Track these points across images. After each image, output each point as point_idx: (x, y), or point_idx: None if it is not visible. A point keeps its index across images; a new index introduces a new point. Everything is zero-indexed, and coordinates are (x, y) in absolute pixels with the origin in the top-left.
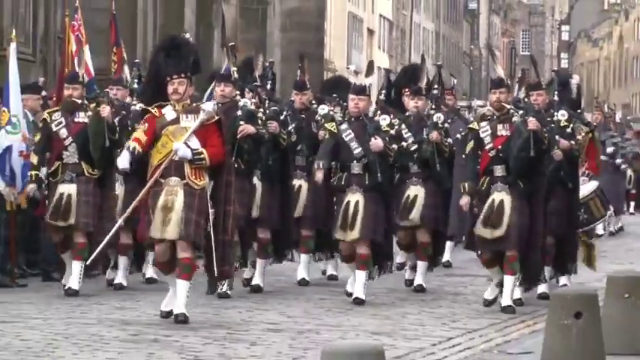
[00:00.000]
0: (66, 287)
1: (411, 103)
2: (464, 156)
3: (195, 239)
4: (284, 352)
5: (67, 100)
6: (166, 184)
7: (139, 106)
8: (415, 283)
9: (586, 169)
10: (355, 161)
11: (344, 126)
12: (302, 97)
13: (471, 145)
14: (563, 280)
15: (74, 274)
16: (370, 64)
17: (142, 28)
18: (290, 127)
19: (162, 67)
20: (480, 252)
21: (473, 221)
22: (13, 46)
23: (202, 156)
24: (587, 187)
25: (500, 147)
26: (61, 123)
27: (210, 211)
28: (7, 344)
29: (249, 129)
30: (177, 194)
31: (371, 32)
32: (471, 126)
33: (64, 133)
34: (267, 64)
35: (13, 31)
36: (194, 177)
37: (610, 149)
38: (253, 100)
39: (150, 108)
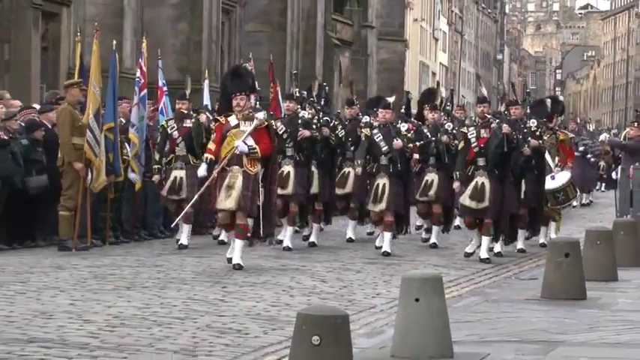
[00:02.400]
0: (178, 243)
1: (429, 116)
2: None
3: (249, 210)
4: (377, 277)
5: (177, 111)
6: (230, 171)
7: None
8: (430, 241)
9: (559, 162)
10: (383, 155)
11: (375, 130)
12: (351, 110)
13: (462, 144)
14: (541, 239)
15: (184, 233)
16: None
17: (288, 72)
18: (337, 131)
19: (228, 87)
20: (464, 217)
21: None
22: (206, 82)
23: (255, 150)
24: (562, 177)
25: (482, 145)
26: (173, 127)
27: (261, 190)
28: (202, 270)
29: (306, 133)
30: (238, 178)
31: (434, 74)
32: (462, 130)
33: (176, 134)
34: (319, 86)
35: (206, 71)
36: (249, 165)
37: (581, 148)
38: (310, 111)
39: (218, 117)
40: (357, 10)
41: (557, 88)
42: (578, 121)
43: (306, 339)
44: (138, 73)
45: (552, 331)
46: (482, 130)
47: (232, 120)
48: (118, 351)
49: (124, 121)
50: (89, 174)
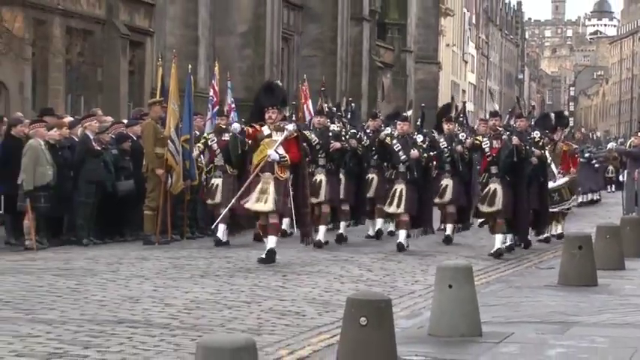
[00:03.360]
0: (223, 240)
1: (445, 127)
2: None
3: (282, 211)
4: (416, 267)
5: (216, 125)
6: (262, 177)
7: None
8: (445, 233)
9: (561, 169)
10: (401, 164)
11: (394, 140)
12: (374, 123)
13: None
14: (546, 234)
15: (220, 231)
16: (410, 103)
17: (338, 91)
18: (363, 142)
19: (262, 101)
20: (486, 222)
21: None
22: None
23: (286, 158)
24: (560, 180)
25: (494, 155)
26: (213, 140)
27: (291, 193)
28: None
29: (337, 145)
30: (270, 183)
31: (464, 91)
32: (476, 141)
33: (215, 146)
34: (347, 102)
35: None
36: (280, 172)
37: (587, 155)
38: (339, 124)
39: (253, 124)
40: (398, 37)
41: (570, 103)
42: (583, 131)
43: (354, 320)
44: (211, 93)
45: (568, 313)
46: (495, 141)
47: (265, 130)
48: (194, 330)
49: (198, 133)
50: (169, 179)
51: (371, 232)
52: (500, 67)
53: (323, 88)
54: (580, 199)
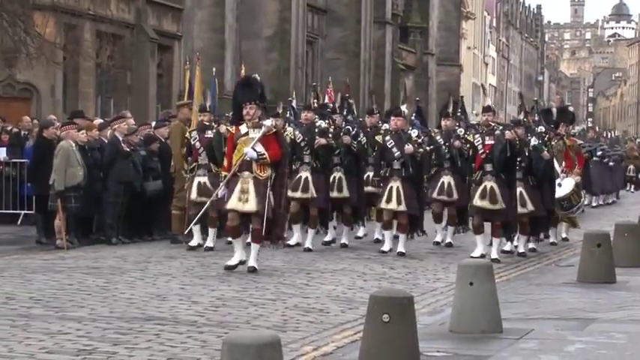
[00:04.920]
0: (204, 246)
1: (442, 123)
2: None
3: (262, 214)
4: (437, 265)
5: (199, 122)
6: (241, 176)
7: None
8: (446, 240)
9: (565, 168)
10: (395, 160)
11: (387, 137)
12: (372, 119)
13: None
14: (552, 238)
15: (210, 236)
16: (408, 99)
17: (362, 92)
18: (359, 138)
19: (238, 96)
20: (473, 219)
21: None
22: (294, 101)
23: (264, 156)
24: (567, 186)
25: (487, 151)
26: (196, 138)
27: (269, 193)
28: (289, 260)
29: (322, 141)
30: (249, 183)
31: (485, 93)
32: (468, 138)
33: (198, 144)
34: (342, 98)
35: (294, 92)
36: (259, 171)
37: (599, 153)
38: (327, 122)
39: (230, 129)
40: (420, 40)
41: (589, 104)
42: (597, 130)
43: (377, 317)
44: None
45: (587, 310)
46: (487, 137)
47: (243, 128)
48: (220, 327)
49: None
50: None
51: (360, 234)
52: (521, 69)
53: (314, 84)
54: (594, 203)
